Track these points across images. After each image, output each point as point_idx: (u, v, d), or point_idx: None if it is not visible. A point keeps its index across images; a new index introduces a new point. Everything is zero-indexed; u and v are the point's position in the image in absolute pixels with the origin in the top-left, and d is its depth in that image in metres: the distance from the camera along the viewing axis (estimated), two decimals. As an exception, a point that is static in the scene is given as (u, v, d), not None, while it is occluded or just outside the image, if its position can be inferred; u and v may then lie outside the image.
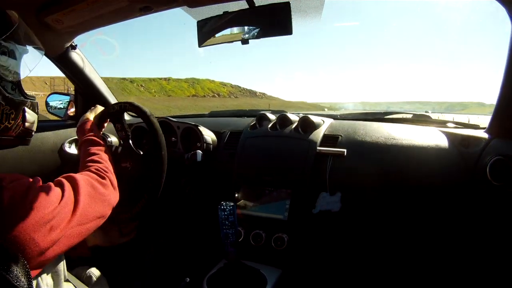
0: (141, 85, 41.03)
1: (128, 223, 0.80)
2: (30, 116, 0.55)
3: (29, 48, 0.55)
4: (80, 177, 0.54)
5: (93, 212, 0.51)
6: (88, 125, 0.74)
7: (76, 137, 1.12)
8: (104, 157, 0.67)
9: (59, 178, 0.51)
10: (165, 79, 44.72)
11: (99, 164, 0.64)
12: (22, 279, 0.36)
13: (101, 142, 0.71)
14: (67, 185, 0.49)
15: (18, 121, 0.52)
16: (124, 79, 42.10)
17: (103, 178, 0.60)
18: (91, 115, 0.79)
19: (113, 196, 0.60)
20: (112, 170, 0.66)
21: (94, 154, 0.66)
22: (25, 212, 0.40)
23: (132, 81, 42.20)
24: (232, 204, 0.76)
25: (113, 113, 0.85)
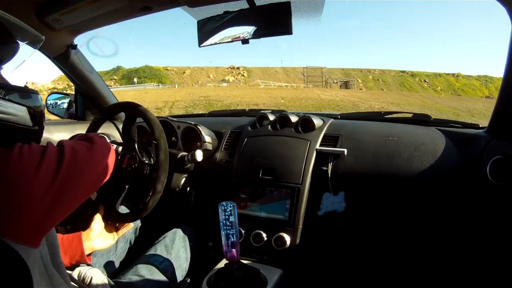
0: (425, 81, 35.70)
1: (133, 220, 0.81)
2: None
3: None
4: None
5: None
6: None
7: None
8: None
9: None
10: (453, 74, 38.46)
11: None
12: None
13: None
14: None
15: None
16: (403, 72, 37.06)
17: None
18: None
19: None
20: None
21: None
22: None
23: (413, 75, 36.85)
24: (232, 204, 0.75)
25: (111, 113, 0.85)
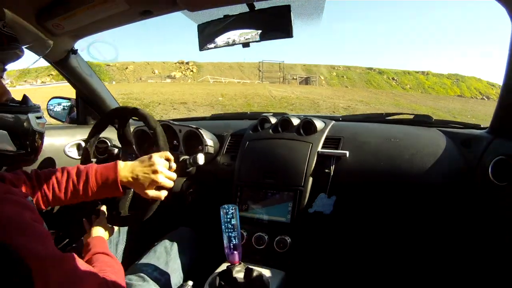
0: (393, 78, 34.27)
1: (136, 223, 0.80)
2: None
3: None
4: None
5: None
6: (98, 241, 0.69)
7: (78, 141, 1.12)
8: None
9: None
10: (422, 72, 36.84)
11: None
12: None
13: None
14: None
15: None
16: (370, 69, 35.57)
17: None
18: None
19: None
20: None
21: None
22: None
23: (381, 72, 35.48)
24: (234, 206, 0.75)
25: (112, 117, 0.85)
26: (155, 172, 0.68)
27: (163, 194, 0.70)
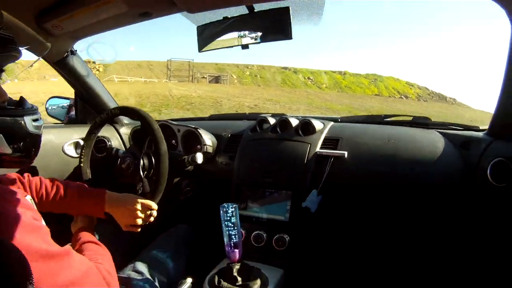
0: (309, 78, 33.79)
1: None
2: None
3: None
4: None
5: None
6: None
7: (76, 140, 1.12)
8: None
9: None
10: (339, 72, 36.69)
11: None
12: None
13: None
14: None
15: None
16: (285, 68, 35.00)
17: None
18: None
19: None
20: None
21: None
22: None
23: (296, 71, 34.94)
24: (234, 205, 0.76)
25: (110, 117, 0.86)
26: (135, 217, 0.73)
27: (138, 230, 0.75)
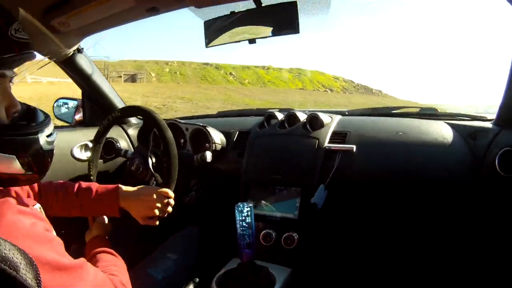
0: (231, 73, 33.31)
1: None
2: None
3: None
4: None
5: None
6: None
7: (85, 142, 1.12)
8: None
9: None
10: (263, 67, 36.72)
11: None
12: (31, 281, 0.34)
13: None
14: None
15: None
16: (207, 64, 34.13)
17: None
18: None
19: None
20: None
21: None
22: None
23: (218, 67, 34.32)
24: (250, 205, 0.76)
25: (118, 117, 0.85)
26: (153, 206, 0.70)
27: (156, 222, 0.73)
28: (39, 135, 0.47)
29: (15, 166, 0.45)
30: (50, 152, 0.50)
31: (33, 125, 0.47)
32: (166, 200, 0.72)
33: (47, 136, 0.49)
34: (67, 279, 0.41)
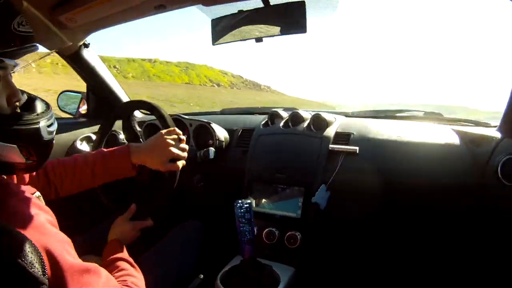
0: (115, 66, 31.18)
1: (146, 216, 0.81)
2: None
3: None
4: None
5: None
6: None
7: (88, 134, 1.13)
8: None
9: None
10: (149, 60, 35.14)
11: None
12: (36, 265, 0.35)
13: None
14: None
15: None
16: None
17: None
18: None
19: None
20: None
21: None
22: None
23: (102, 60, 31.14)
24: (248, 201, 0.77)
25: (123, 111, 0.86)
26: (167, 145, 0.70)
27: (180, 164, 0.72)
28: (40, 124, 0.47)
29: (16, 155, 0.45)
30: (50, 142, 0.51)
31: (34, 115, 0.47)
32: (175, 136, 0.73)
33: (48, 126, 0.49)
34: (72, 280, 0.40)
